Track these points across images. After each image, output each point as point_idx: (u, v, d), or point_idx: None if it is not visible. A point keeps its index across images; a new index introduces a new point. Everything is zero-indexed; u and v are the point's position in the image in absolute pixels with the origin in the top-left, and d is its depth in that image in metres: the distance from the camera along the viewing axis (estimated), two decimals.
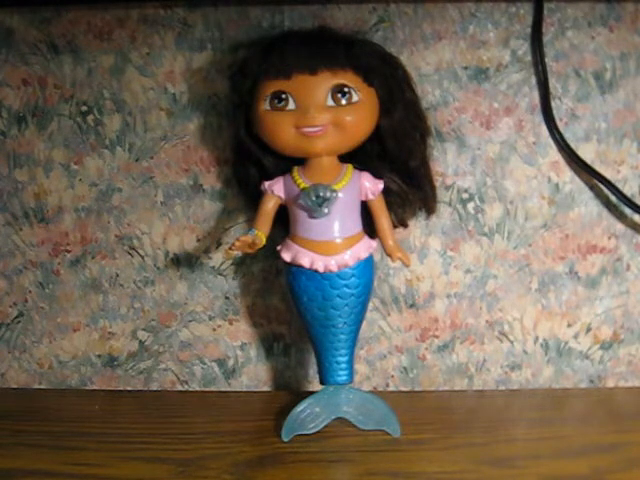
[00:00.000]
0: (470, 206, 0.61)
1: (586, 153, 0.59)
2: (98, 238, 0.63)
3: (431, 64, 0.59)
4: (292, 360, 0.64)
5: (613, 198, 0.60)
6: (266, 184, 0.53)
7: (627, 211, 0.60)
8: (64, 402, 0.62)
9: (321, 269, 0.51)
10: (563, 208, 0.61)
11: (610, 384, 0.63)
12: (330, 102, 0.50)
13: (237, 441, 0.54)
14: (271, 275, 0.62)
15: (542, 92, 0.59)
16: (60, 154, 0.61)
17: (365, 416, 0.54)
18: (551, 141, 0.60)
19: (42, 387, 0.65)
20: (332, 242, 0.51)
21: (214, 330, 0.64)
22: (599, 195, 0.60)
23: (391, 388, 0.64)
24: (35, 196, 0.62)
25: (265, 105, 0.51)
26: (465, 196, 0.61)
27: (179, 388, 0.65)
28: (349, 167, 0.52)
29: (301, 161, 0.52)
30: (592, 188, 0.60)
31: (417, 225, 0.61)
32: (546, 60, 0.58)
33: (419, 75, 0.58)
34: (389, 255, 0.53)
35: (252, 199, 0.56)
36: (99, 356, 0.65)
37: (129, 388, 0.65)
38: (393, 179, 0.55)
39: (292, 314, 0.62)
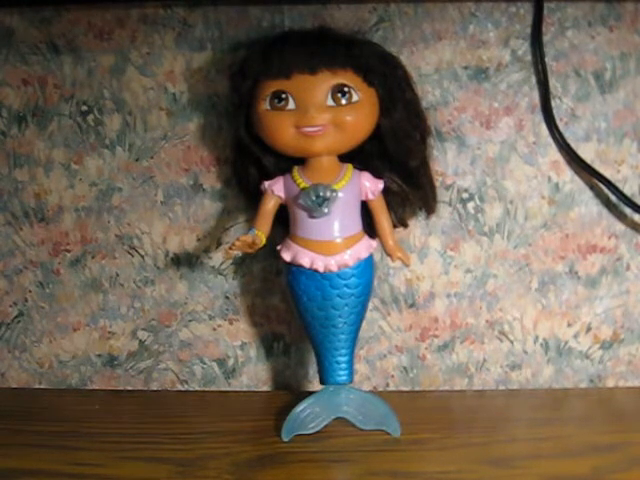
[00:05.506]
0: (470, 206, 0.61)
1: (586, 153, 0.59)
2: (98, 238, 0.63)
3: (431, 64, 0.59)
4: (292, 360, 0.64)
5: (613, 198, 0.60)
6: (266, 184, 0.53)
7: (627, 211, 0.60)
8: (64, 402, 0.62)
9: (321, 269, 0.51)
10: (563, 208, 0.61)
11: (610, 384, 0.63)
12: (330, 102, 0.50)
13: (237, 441, 0.54)
14: (271, 275, 0.62)
15: (542, 92, 0.59)
16: (60, 154, 0.61)
17: (365, 416, 0.54)
18: (551, 141, 0.60)
19: (42, 387, 0.65)
20: (332, 242, 0.51)
21: (214, 330, 0.64)
22: (599, 195, 0.60)
23: (391, 388, 0.64)
24: (35, 196, 0.62)
25: (265, 105, 0.51)
26: (465, 196, 0.61)
27: (179, 388, 0.65)
28: (349, 167, 0.52)
29: (301, 161, 0.52)
30: (592, 188, 0.60)
31: (417, 225, 0.61)
32: (546, 60, 0.58)
33: (419, 75, 0.58)
34: (389, 255, 0.53)
35: (252, 199, 0.56)
36: (99, 356, 0.65)
37: (129, 388, 0.65)
38: (393, 179, 0.55)
39: (292, 314, 0.61)
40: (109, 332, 0.64)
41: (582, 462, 0.50)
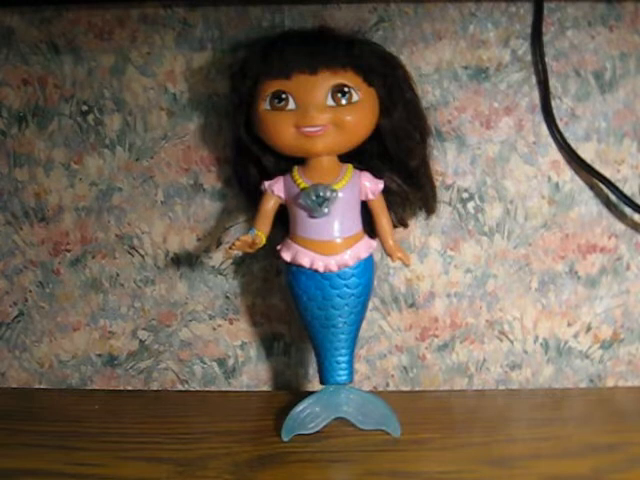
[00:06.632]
0: (470, 206, 0.61)
1: (586, 153, 0.59)
2: (98, 238, 0.63)
3: (431, 64, 0.59)
4: (292, 360, 0.64)
5: (613, 198, 0.60)
6: (266, 184, 0.53)
7: (627, 211, 0.60)
8: (64, 402, 0.62)
9: (321, 269, 0.51)
10: (563, 208, 0.61)
11: (610, 384, 0.63)
12: (330, 102, 0.50)
13: (237, 441, 0.54)
14: (271, 275, 0.62)
15: (542, 92, 0.59)
16: (60, 154, 0.62)
17: (365, 416, 0.54)
18: (551, 141, 0.60)
19: (42, 387, 0.65)
20: (332, 242, 0.51)
21: (214, 329, 0.64)
22: (599, 195, 0.60)
23: (391, 388, 0.64)
24: (35, 195, 0.62)
25: (265, 105, 0.51)
26: (465, 196, 0.61)
27: (179, 388, 0.65)
28: (349, 167, 0.52)
29: (301, 161, 0.52)
30: (592, 188, 0.60)
31: (417, 225, 0.61)
32: (546, 60, 0.58)
33: (419, 75, 0.58)
34: (389, 255, 0.53)
35: (252, 199, 0.56)
36: (99, 355, 0.65)
37: (129, 388, 0.65)
38: (393, 179, 0.55)
39: (292, 314, 0.61)
40: (109, 332, 0.64)
41: (582, 462, 0.50)
